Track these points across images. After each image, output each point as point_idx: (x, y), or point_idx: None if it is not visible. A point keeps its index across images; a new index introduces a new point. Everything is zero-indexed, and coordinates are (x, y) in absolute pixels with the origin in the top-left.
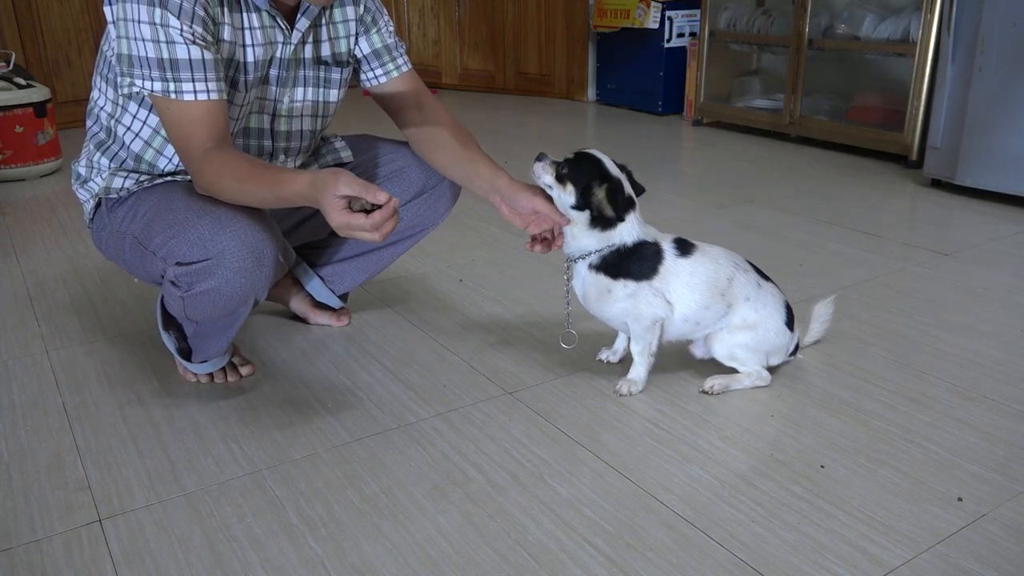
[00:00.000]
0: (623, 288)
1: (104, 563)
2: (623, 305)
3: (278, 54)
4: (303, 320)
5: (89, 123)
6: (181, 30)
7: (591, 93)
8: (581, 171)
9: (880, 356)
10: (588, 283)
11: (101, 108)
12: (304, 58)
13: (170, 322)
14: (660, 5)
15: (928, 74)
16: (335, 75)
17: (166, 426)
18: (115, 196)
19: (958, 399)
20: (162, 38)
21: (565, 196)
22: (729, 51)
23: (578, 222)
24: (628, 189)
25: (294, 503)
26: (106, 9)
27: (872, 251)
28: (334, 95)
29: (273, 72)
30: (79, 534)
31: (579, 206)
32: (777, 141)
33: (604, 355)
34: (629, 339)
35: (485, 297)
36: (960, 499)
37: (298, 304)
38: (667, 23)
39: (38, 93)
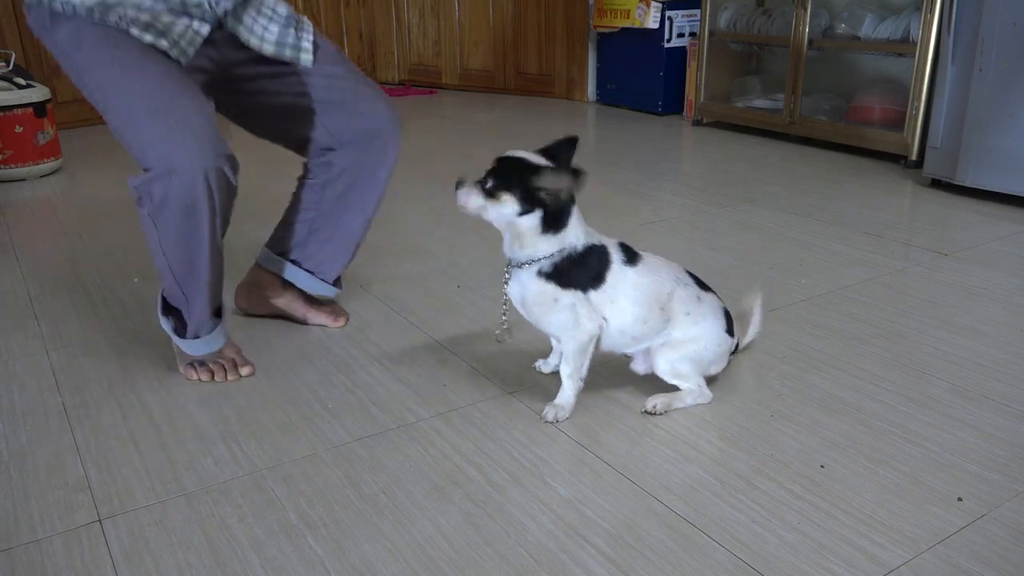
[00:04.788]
0: (570, 298)
1: (104, 563)
2: (566, 316)
3: None
4: (302, 321)
5: None
6: None
7: (591, 93)
8: (508, 175)
9: (880, 356)
10: (532, 291)
11: None
12: None
13: (169, 310)
14: (660, 5)
15: (928, 74)
16: None
17: (166, 426)
18: (59, 7)
19: (958, 399)
20: None
21: (505, 209)
22: (729, 51)
23: (529, 229)
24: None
25: (294, 503)
26: None
27: (872, 251)
28: None
29: None
30: (79, 534)
31: (526, 210)
32: (777, 141)
33: (539, 363)
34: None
35: (485, 297)
36: (960, 499)
37: (296, 307)
38: (667, 23)
39: (38, 93)
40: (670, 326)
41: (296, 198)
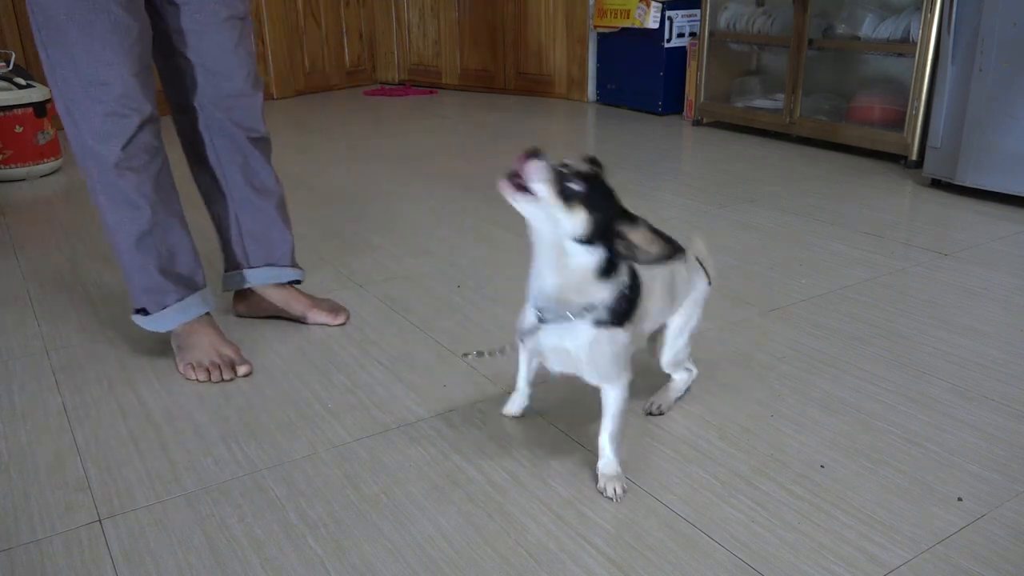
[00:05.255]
0: (625, 335)
1: (104, 563)
2: (624, 356)
3: None
4: (301, 320)
5: None
6: None
7: (591, 93)
8: (600, 199)
9: (880, 356)
10: (592, 342)
11: None
12: None
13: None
14: (660, 5)
15: (928, 74)
16: None
17: (166, 426)
18: None
19: (958, 399)
20: None
21: (566, 222)
22: (729, 51)
23: (579, 264)
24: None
25: (294, 503)
26: None
27: (872, 251)
28: None
29: None
30: (79, 534)
31: (589, 242)
32: (777, 141)
33: (511, 407)
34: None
35: (485, 297)
36: (960, 499)
37: (295, 305)
38: (667, 23)
39: (38, 93)
40: (674, 303)
41: (213, 216)
